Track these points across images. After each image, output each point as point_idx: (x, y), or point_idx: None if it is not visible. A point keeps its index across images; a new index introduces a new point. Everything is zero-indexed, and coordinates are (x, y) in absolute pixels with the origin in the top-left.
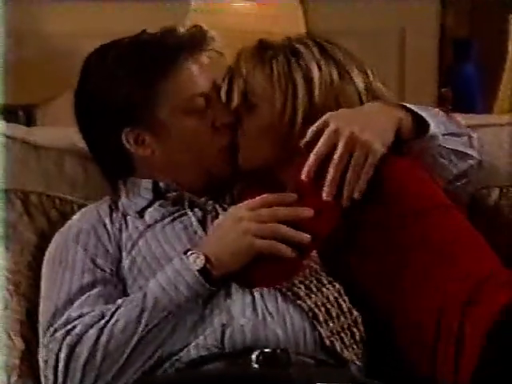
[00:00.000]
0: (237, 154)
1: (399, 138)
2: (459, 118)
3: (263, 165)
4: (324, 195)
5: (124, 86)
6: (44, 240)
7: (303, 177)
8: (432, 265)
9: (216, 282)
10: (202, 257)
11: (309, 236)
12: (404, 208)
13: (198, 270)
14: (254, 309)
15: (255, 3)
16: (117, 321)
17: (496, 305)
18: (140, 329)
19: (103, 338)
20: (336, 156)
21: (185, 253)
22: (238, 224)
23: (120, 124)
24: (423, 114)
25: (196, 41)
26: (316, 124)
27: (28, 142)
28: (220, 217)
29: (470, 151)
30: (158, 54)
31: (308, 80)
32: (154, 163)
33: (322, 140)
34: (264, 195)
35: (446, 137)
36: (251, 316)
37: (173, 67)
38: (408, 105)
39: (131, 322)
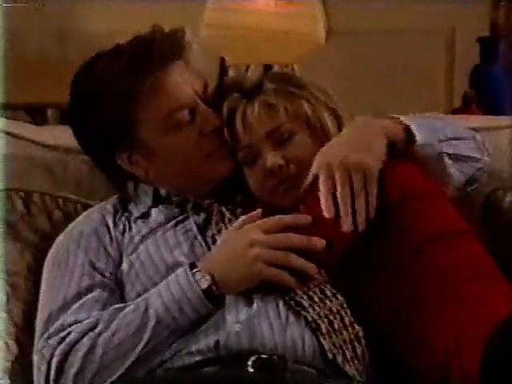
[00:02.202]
0: (230, 156)
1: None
2: (476, 119)
3: None
4: (344, 228)
5: (103, 109)
6: (46, 241)
7: (326, 215)
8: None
9: (218, 300)
10: (209, 277)
11: (316, 267)
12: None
13: (203, 290)
14: (252, 315)
15: (273, 1)
16: (114, 333)
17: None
18: (139, 347)
19: (98, 350)
20: (338, 190)
21: (190, 267)
22: (250, 249)
23: (111, 146)
24: (410, 123)
25: (168, 48)
26: (312, 169)
27: (33, 141)
28: (226, 220)
29: (475, 154)
30: (128, 73)
31: None
32: (152, 178)
33: (320, 182)
34: (279, 216)
35: (445, 142)
36: (247, 322)
37: (144, 86)
38: (396, 116)
39: (130, 337)
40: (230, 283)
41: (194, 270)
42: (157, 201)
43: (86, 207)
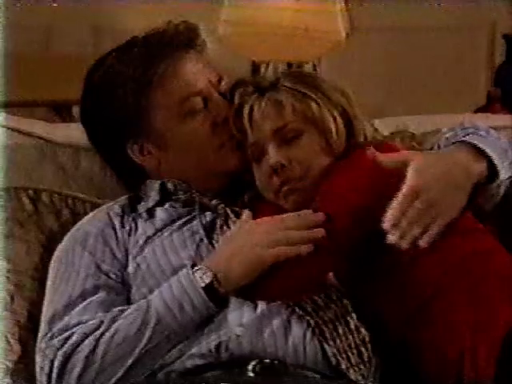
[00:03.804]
0: (241, 149)
1: None
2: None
3: None
4: (403, 244)
5: (116, 98)
6: (53, 241)
7: (387, 224)
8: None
9: (222, 300)
10: (209, 273)
11: (323, 230)
12: None
13: (204, 288)
14: (255, 318)
15: None
16: (115, 333)
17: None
18: (139, 347)
19: (100, 350)
20: (409, 214)
21: (192, 267)
22: (250, 238)
23: (122, 137)
24: (498, 162)
25: (181, 39)
26: (397, 158)
27: (44, 139)
28: (230, 222)
29: None
30: (142, 61)
31: None
32: (163, 171)
33: (402, 195)
34: (278, 216)
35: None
36: (250, 325)
37: (158, 72)
38: (488, 151)
39: (130, 337)
40: (232, 275)
41: (195, 268)
42: (163, 197)
43: (95, 207)
